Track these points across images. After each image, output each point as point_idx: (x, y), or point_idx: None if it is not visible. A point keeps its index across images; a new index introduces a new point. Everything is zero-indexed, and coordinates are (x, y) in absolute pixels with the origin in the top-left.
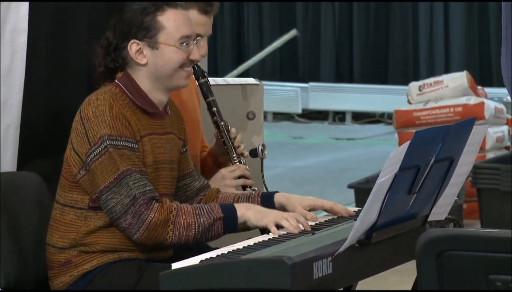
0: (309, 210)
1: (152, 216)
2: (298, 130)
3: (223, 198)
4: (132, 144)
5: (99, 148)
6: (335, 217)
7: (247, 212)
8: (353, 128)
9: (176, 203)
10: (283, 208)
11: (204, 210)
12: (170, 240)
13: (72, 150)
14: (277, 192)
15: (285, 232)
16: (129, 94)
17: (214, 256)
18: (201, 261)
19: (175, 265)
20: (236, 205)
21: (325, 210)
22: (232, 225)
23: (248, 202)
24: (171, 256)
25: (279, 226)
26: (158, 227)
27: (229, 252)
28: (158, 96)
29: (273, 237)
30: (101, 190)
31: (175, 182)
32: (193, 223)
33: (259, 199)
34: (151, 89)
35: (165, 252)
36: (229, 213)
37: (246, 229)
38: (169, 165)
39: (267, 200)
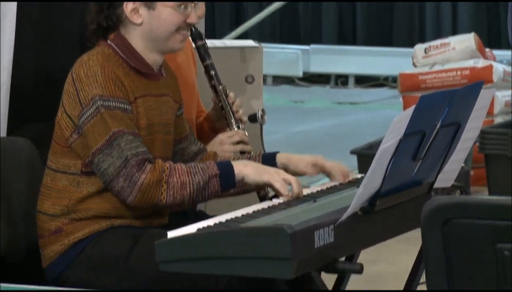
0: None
1: (144, 177)
2: (298, 94)
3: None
4: (125, 105)
5: (91, 110)
6: (337, 183)
7: (245, 168)
8: (356, 92)
9: (169, 163)
10: (285, 168)
11: (199, 167)
12: (164, 200)
13: (64, 112)
14: (278, 152)
15: (285, 199)
16: (122, 54)
17: (212, 224)
18: (198, 229)
19: (171, 234)
20: (233, 162)
21: (324, 171)
22: (229, 182)
23: None
24: (166, 224)
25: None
26: (151, 188)
27: (227, 220)
28: (152, 57)
29: (272, 205)
30: (94, 153)
31: (171, 146)
32: (188, 181)
33: (260, 160)
34: (145, 50)
35: (161, 219)
36: (226, 169)
37: (244, 191)
38: (165, 128)
39: (269, 161)
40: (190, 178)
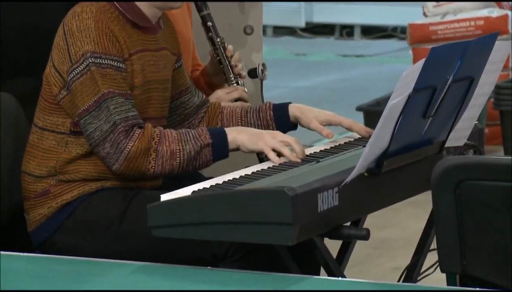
0: (325, 126)
1: (131, 145)
2: (301, 47)
3: (229, 113)
4: (118, 63)
5: (81, 66)
6: (342, 143)
7: (239, 135)
8: (362, 44)
9: (159, 129)
10: (296, 121)
11: (191, 135)
12: (152, 170)
13: (53, 67)
14: (290, 103)
15: (285, 160)
16: (118, 6)
17: (208, 186)
18: (193, 192)
19: (164, 196)
20: (227, 129)
21: (343, 127)
22: (222, 151)
23: (259, 115)
24: (160, 185)
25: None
26: (139, 156)
27: (224, 182)
28: (150, 9)
29: (273, 166)
30: (80, 113)
31: (168, 103)
32: (178, 150)
33: (271, 112)
34: (143, 3)
35: (154, 181)
36: (219, 138)
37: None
38: (162, 85)
39: (281, 112)
40: (181, 147)
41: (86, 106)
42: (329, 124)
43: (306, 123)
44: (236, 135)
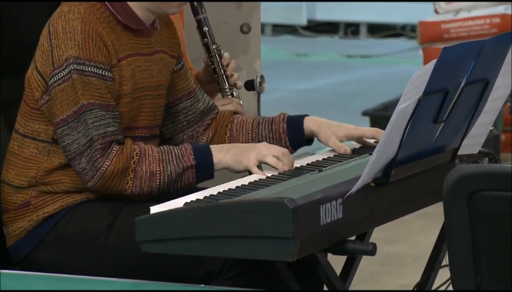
0: (344, 141)
1: (107, 164)
2: (302, 46)
3: (240, 123)
4: (104, 71)
5: (63, 72)
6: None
7: (225, 157)
8: (368, 44)
9: (139, 147)
10: (313, 135)
11: (173, 154)
12: (130, 190)
13: (35, 69)
14: (306, 115)
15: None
16: (109, 6)
17: (201, 197)
18: (186, 203)
19: (154, 209)
20: (213, 148)
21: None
22: (206, 174)
23: (271, 128)
24: (149, 197)
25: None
26: (115, 176)
27: (219, 193)
28: (144, 12)
29: (272, 175)
30: (58, 122)
31: (162, 111)
32: (158, 172)
33: (284, 125)
34: (137, 5)
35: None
36: (203, 159)
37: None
38: (155, 91)
39: (295, 125)
40: (161, 168)
41: (64, 116)
42: (350, 139)
43: (325, 139)
44: (222, 157)
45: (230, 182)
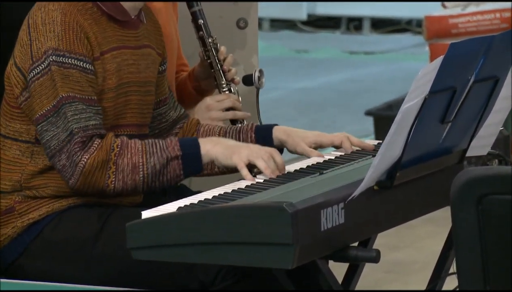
0: (315, 148)
1: (86, 157)
2: (302, 42)
3: (206, 131)
4: (85, 64)
5: (42, 65)
6: (349, 151)
7: (213, 148)
8: (372, 39)
9: (121, 139)
10: (282, 145)
11: (157, 146)
12: (112, 186)
13: (14, 65)
14: (276, 125)
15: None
16: None
17: (195, 202)
18: (179, 208)
19: (145, 214)
20: (202, 140)
21: (335, 147)
22: (194, 165)
23: (239, 137)
24: (140, 202)
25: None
26: (96, 170)
27: (214, 197)
28: (130, 3)
29: (270, 178)
30: (37, 118)
31: (151, 109)
32: (141, 164)
33: (252, 134)
34: None
35: (134, 196)
36: (190, 150)
37: (214, 172)
38: (143, 88)
39: (263, 135)
40: (144, 160)
41: (44, 111)
42: (319, 146)
43: (293, 147)
44: (211, 148)
45: (226, 186)
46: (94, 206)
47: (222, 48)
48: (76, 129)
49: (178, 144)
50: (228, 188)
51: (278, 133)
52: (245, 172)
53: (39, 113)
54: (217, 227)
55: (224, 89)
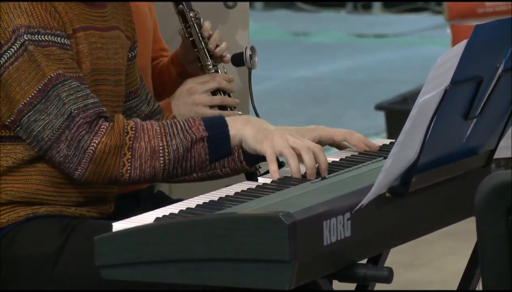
0: None
1: (97, 141)
2: (301, 23)
3: None
4: (63, 39)
5: (14, 47)
6: (356, 153)
7: (244, 127)
8: (383, 20)
9: (134, 121)
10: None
11: (178, 127)
12: (128, 175)
13: None
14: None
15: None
16: None
17: (176, 211)
18: (157, 219)
19: (117, 225)
20: (228, 119)
21: (335, 146)
22: (222, 148)
23: None
24: (111, 212)
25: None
26: (108, 156)
27: (198, 206)
28: None
29: (263, 184)
30: (21, 109)
31: (121, 103)
32: (161, 147)
33: None
34: None
35: (103, 205)
36: (217, 129)
37: (222, 175)
38: (113, 76)
39: None
40: (165, 142)
41: (28, 99)
42: (318, 143)
43: None
44: (241, 126)
45: (212, 192)
46: (56, 216)
47: (206, 24)
48: (75, 111)
49: (202, 124)
50: (214, 195)
51: None
52: (273, 167)
53: (22, 103)
54: (201, 241)
55: (210, 71)
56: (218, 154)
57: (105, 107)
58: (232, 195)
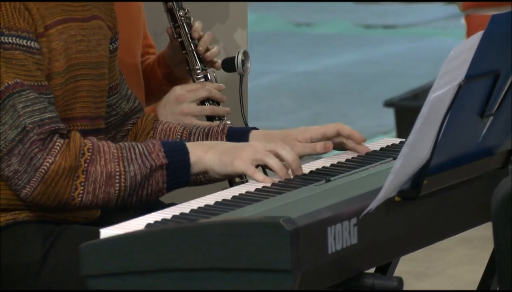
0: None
1: (50, 161)
2: (303, 13)
3: (165, 130)
4: (29, 41)
5: None
6: (362, 154)
7: (206, 154)
8: (393, 10)
9: (91, 141)
10: None
11: (137, 151)
12: (79, 199)
13: None
14: (254, 128)
15: (276, 180)
16: None
17: (169, 217)
18: (148, 225)
19: (105, 232)
20: (190, 145)
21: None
22: (181, 177)
23: (206, 138)
24: (98, 217)
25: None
26: (61, 178)
27: (192, 211)
28: None
29: (263, 187)
30: None
31: (105, 98)
32: (118, 173)
33: (224, 138)
34: None
35: (89, 210)
36: (177, 157)
37: (206, 181)
38: (95, 70)
39: (238, 140)
40: (122, 168)
41: None
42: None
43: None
44: (203, 154)
45: (207, 196)
46: (39, 223)
47: (197, 24)
48: (30, 125)
49: (162, 150)
50: (209, 200)
51: (256, 138)
52: (260, 176)
53: None
54: (196, 249)
55: (198, 77)
56: (177, 182)
57: (86, 107)
58: (229, 198)
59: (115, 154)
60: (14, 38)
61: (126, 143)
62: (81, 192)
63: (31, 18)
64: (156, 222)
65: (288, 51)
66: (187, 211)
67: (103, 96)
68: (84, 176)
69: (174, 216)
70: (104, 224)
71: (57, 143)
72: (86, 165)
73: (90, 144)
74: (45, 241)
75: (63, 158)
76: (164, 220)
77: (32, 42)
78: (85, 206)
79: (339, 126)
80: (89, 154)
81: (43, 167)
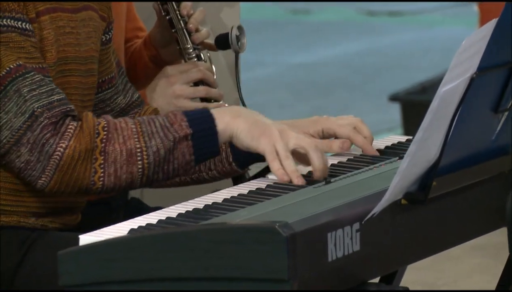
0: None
1: (64, 146)
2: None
3: None
4: (23, 23)
5: None
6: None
7: (235, 120)
8: None
9: (106, 119)
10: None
11: (157, 124)
12: (101, 183)
13: None
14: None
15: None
16: None
17: (155, 222)
18: (132, 230)
19: (85, 238)
20: (215, 111)
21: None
22: (210, 147)
23: None
24: (78, 223)
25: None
26: (78, 162)
27: (180, 215)
28: None
29: (257, 189)
30: None
31: (93, 95)
32: (139, 149)
33: None
34: None
35: (69, 215)
36: (203, 125)
37: (209, 179)
38: (84, 66)
39: None
40: (143, 143)
41: None
42: (327, 134)
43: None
44: (231, 120)
45: (196, 199)
46: (14, 228)
47: (185, 1)
48: (38, 109)
49: (185, 119)
50: (199, 203)
51: None
52: (276, 165)
53: None
54: (183, 257)
55: (190, 56)
56: (205, 153)
57: (73, 104)
58: (221, 202)
59: (134, 130)
60: (8, 20)
61: (144, 117)
62: (102, 175)
63: (22, 1)
64: (140, 227)
65: (285, 41)
66: (174, 215)
67: (91, 94)
68: (102, 157)
69: (160, 221)
70: (84, 229)
71: (69, 126)
72: (103, 145)
73: (105, 122)
74: (20, 247)
75: (77, 140)
76: (149, 225)
77: (27, 24)
78: (108, 189)
79: (351, 135)
80: (105, 132)
81: (57, 153)
